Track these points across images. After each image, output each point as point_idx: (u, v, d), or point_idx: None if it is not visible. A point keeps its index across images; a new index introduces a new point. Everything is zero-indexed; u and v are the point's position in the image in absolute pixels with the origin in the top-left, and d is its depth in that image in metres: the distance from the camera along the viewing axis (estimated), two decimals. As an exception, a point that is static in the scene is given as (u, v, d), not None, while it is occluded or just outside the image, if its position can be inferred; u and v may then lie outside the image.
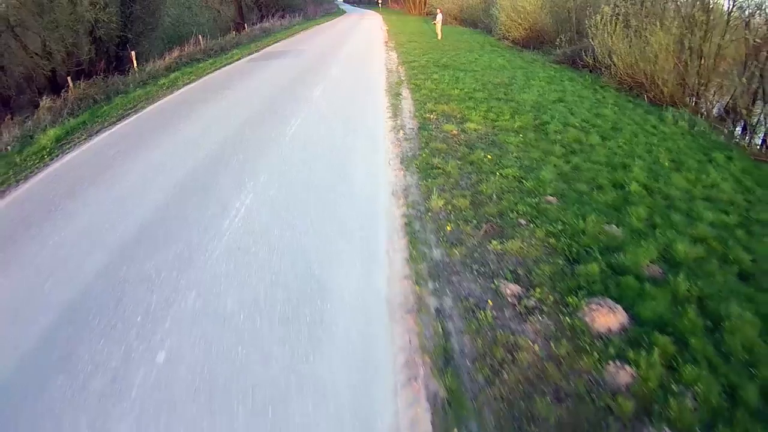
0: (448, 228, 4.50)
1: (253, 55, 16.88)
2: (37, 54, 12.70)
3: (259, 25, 25.35)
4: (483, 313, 3.35)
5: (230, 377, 2.93)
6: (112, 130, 8.71)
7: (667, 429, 2.74)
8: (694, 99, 10.77)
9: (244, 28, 23.39)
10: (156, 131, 8.26)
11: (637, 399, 2.87)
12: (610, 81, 12.26)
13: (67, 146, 8.12)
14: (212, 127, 8.19)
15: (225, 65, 14.90)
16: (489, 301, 3.48)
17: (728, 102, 10.11)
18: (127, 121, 9.17)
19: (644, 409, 2.82)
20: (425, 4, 40.58)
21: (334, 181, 5.73)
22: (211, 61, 15.95)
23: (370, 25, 29.99)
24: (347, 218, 4.81)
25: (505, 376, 2.90)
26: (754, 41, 9.59)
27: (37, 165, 7.33)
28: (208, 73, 13.59)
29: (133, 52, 13.75)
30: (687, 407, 2.82)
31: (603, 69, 12.61)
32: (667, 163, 6.83)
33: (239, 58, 16.17)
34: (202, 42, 17.55)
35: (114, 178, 6.20)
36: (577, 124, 8.03)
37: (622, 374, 3.10)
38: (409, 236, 4.35)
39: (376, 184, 5.61)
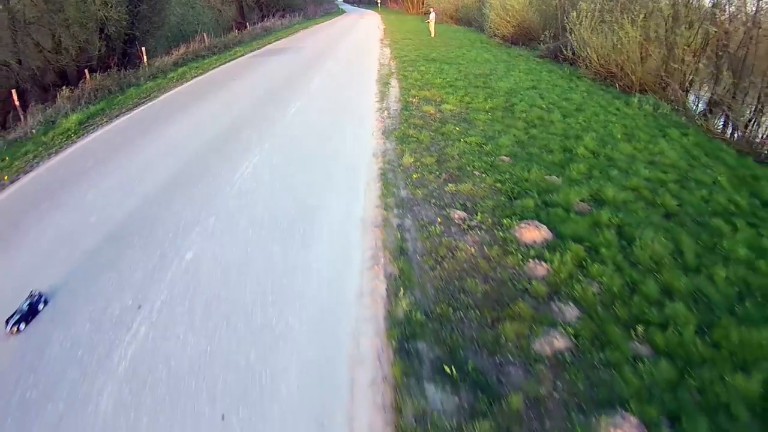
0: (415, 176, 5.51)
1: (254, 52, 17.93)
2: (48, 50, 13.69)
3: (260, 24, 26.40)
4: (433, 227, 4.35)
5: (241, 264, 3.95)
6: (130, 114, 9.72)
7: (571, 303, 3.67)
8: (662, 86, 11.68)
9: (246, 27, 24.42)
10: (171, 115, 9.28)
11: (549, 285, 3.80)
12: (586, 72, 13.18)
13: (91, 128, 9.12)
14: (222, 110, 9.23)
15: (229, 61, 15.95)
16: (439, 219, 4.47)
17: (713, 93, 10.89)
18: (142, 108, 10.19)
19: (554, 291, 3.74)
20: (423, 4, 41.55)
21: (325, 147, 6.75)
22: (215, 57, 17.01)
23: (368, 24, 31.06)
24: (335, 170, 5.86)
25: (445, 265, 3.89)
26: (715, 32, 10.50)
27: (65, 142, 8.32)
28: (213, 68, 14.64)
29: (143, 48, 14.78)
30: (590, 291, 3.71)
31: (580, 61, 13.56)
32: (619, 136, 7.71)
33: (242, 55, 17.22)
34: (206, 40, 18.61)
35: (138, 149, 7.21)
36: (544, 106, 8.99)
37: (539, 268, 4.06)
38: (383, 181, 5.37)
39: (360, 148, 6.62)
